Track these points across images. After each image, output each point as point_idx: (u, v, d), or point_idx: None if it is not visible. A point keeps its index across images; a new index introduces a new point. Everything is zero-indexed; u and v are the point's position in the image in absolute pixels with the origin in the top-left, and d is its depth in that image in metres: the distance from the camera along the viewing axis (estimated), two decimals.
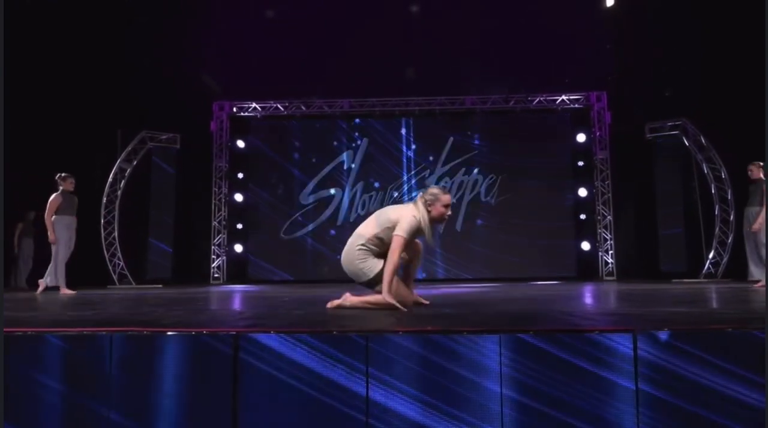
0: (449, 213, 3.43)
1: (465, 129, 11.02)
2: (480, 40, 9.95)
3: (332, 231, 10.98)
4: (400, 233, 3.25)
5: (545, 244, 10.50)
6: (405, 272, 3.68)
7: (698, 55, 9.34)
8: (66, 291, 6.46)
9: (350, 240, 3.49)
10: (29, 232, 8.97)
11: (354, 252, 3.43)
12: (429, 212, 3.38)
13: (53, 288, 6.62)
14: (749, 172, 6.54)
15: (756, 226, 6.19)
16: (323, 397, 2.06)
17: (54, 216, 6.54)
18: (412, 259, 3.64)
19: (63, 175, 6.73)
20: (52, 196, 6.62)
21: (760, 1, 8.67)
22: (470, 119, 11.01)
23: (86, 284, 8.47)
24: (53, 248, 6.55)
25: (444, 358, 2.07)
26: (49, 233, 6.50)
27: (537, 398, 2.03)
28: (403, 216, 3.31)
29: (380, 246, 3.41)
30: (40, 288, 6.56)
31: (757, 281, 6.29)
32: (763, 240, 6.25)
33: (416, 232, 3.36)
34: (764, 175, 6.48)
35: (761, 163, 6.44)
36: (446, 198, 3.39)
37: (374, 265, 3.38)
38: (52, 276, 6.51)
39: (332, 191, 11.08)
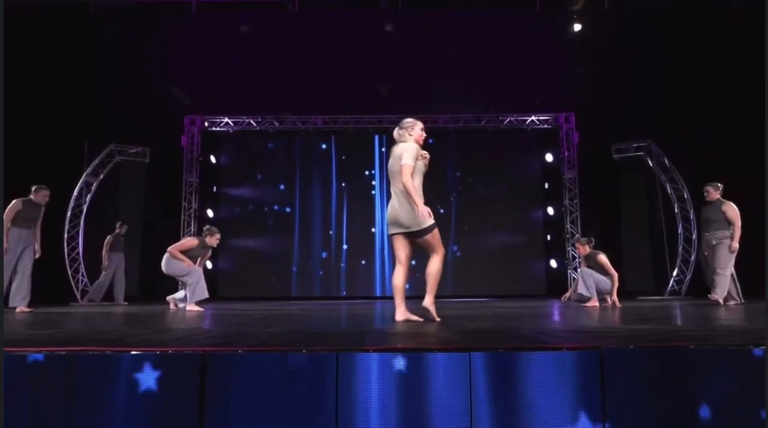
0: (425, 134, 3.98)
1: (438, 147, 11.14)
2: (453, 61, 10.15)
3: (305, 248, 10.91)
4: (406, 162, 3.68)
5: (515, 262, 10.63)
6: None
7: (663, 78, 9.71)
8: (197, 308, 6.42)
9: (398, 197, 3.75)
10: (119, 246, 8.68)
11: (410, 206, 3.69)
12: (411, 136, 3.88)
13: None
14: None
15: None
16: (292, 417, 2.03)
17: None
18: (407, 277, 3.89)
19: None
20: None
21: (722, 28, 9.14)
22: (443, 137, 11.13)
23: (47, 301, 8.19)
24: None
25: (414, 376, 2.07)
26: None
27: (507, 416, 2.03)
28: (405, 149, 3.74)
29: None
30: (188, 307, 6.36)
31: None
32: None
33: (417, 157, 3.75)
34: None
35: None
36: (420, 123, 3.95)
37: (423, 218, 3.69)
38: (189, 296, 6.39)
39: (306, 206, 11.04)
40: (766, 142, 5.88)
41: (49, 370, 2.08)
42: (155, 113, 10.15)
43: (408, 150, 3.72)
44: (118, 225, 8.79)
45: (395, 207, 3.76)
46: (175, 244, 6.46)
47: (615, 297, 6.34)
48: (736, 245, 6.00)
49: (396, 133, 3.91)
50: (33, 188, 6.15)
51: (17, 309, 5.80)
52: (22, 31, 8.81)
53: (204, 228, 6.69)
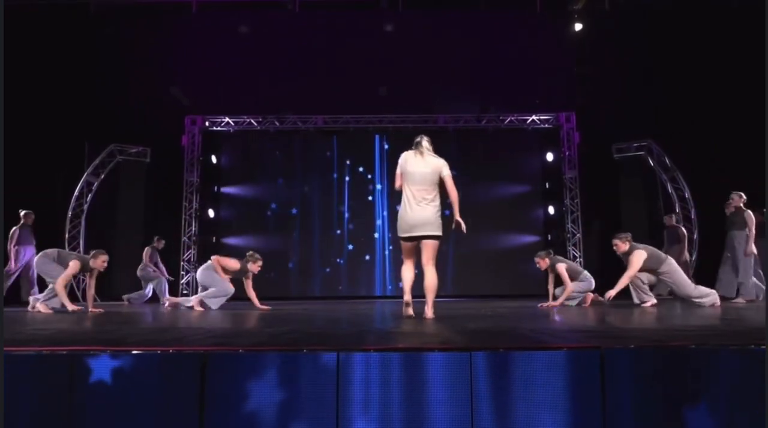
0: None
1: (437, 147, 11.12)
2: (453, 61, 10.14)
3: (305, 247, 10.91)
4: (450, 174, 4.18)
5: (515, 262, 10.61)
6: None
7: (663, 78, 9.70)
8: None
9: (428, 203, 4.12)
10: (155, 259, 8.76)
11: (435, 212, 4.14)
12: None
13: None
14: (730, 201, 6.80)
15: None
16: (293, 417, 2.03)
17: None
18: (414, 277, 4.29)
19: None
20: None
21: (722, 28, 9.13)
22: (443, 137, 11.10)
23: None
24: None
25: (415, 376, 2.07)
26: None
27: (508, 415, 2.03)
28: (445, 164, 4.19)
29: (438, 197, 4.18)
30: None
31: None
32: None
33: None
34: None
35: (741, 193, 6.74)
36: None
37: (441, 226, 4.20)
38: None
39: (306, 205, 11.04)
40: (766, 142, 5.86)
41: (49, 370, 2.08)
42: (156, 113, 10.14)
43: (447, 165, 4.18)
44: (155, 239, 8.80)
45: (427, 210, 4.09)
46: (220, 256, 6.47)
47: (556, 303, 6.23)
48: (612, 293, 5.59)
49: (427, 144, 4.26)
50: (92, 252, 6.11)
51: (42, 309, 5.93)
52: (22, 31, 8.81)
53: (247, 254, 6.61)
